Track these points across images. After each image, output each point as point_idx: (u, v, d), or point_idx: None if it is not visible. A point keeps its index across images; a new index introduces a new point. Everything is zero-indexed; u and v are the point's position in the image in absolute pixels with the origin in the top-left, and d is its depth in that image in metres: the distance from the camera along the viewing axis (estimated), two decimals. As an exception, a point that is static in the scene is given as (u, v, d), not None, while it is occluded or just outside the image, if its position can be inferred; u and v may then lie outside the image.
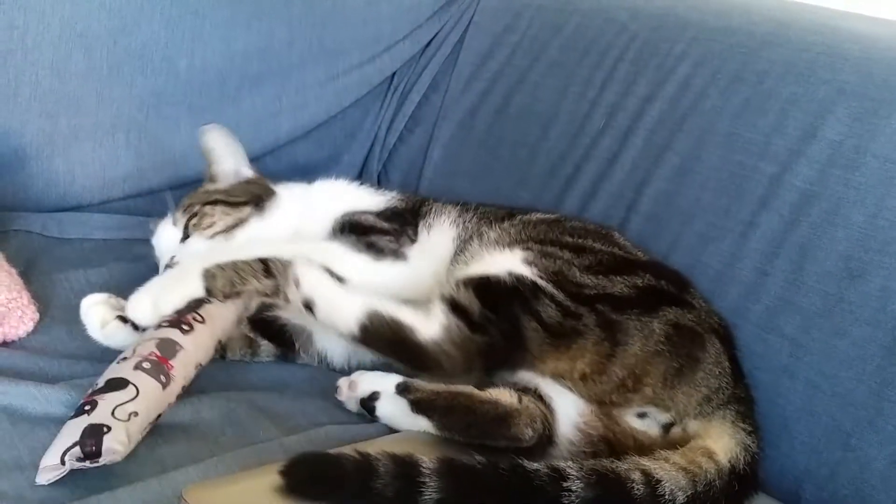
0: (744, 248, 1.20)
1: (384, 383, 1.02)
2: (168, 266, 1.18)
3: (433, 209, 1.30)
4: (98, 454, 0.82)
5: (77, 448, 0.82)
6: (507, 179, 1.54)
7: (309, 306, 1.03)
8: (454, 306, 1.03)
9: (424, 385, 1.00)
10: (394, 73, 1.75)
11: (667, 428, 1.03)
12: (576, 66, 1.52)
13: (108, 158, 1.46)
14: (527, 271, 1.06)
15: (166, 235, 1.25)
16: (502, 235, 1.17)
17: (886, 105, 1.14)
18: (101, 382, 0.91)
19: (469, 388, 1.01)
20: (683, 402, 1.02)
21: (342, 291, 1.05)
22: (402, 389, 1.00)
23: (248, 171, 1.34)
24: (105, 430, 0.84)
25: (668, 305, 1.07)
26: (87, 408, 0.86)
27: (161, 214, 1.34)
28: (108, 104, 1.44)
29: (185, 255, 1.18)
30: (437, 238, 1.25)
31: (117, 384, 0.89)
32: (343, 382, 1.05)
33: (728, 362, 1.07)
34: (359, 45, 1.69)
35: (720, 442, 0.99)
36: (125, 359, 0.94)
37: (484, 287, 1.05)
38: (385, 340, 1.01)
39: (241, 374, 1.09)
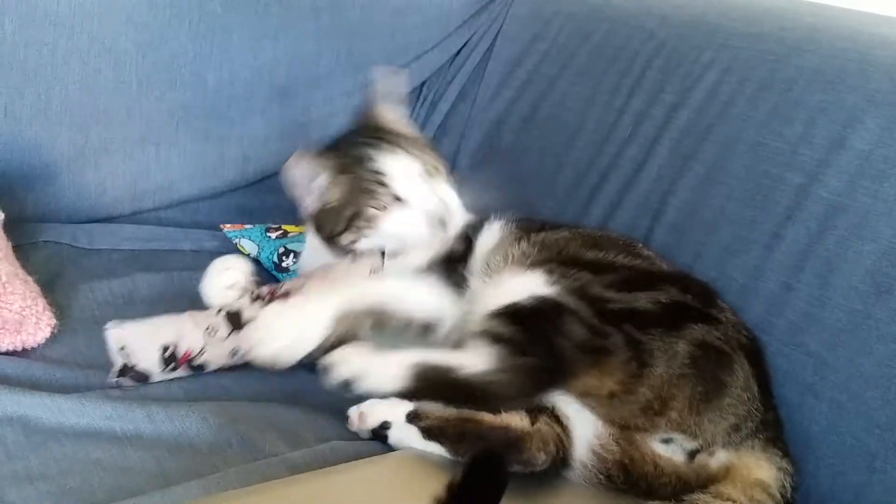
0: (769, 260, 1.16)
1: (394, 412, 1.01)
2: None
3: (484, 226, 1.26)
4: None
5: None
6: (534, 189, 1.52)
7: (348, 385, 0.99)
8: (491, 336, 1.01)
9: (434, 411, 1.00)
10: (423, 83, 1.75)
11: (692, 455, 0.99)
12: (603, 74, 1.50)
13: (139, 170, 1.49)
14: (548, 291, 1.05)
15: (409, 168, 1.17)
16: (524, 255, 1.15)
17: (918, 114, 1.10)
18: None
19: (480, 414, 0.99)
20: (710, 430, 0.98)
21: (376, 355, 1.01)
22: (412, 418, 0.99)
23: None
24: None
25: (694, 322, 1.04)
26: None
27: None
28: (137, 117, 1.46)
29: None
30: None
31: None
32: (353, 413, 1.03)
33: (757, 385, 1.03)
34: (387, 56, 1.68)
35: (765, 471, 0.97)
36: None
37: (511, 314, 1.03)
38: (435, 385, 0.99)
39: (254, 384, 1.09)
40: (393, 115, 1.24)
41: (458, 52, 1.75)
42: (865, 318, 1.05)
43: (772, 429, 1.03)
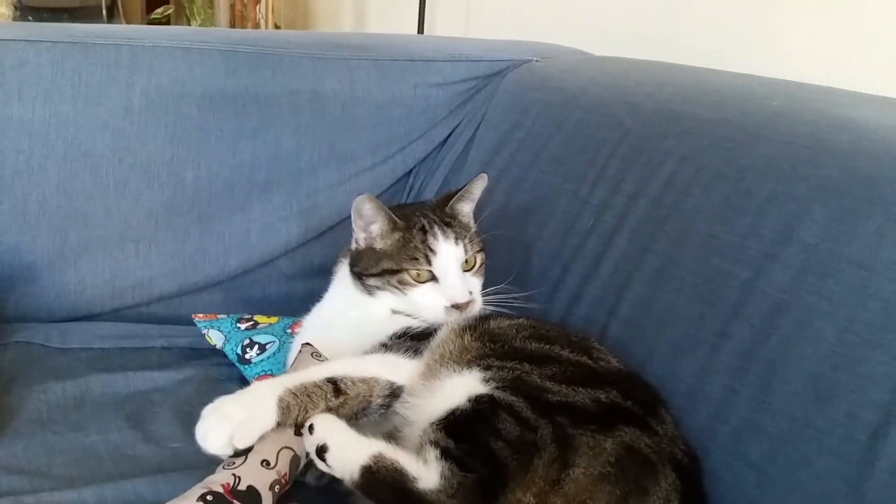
0: (715, 361, 1.10)
1: None
2: (457, 307, 1.22)
3: None
4: None
5: None
6: (504, 280, 1.49)
7: (322, 451, 0.99)
8: (440, 449, 0.98)
9: None
10: (409, 172, 1.76)
11: None
12: (572, 163, 1.48)
13: (118, 268, 1.53)
14: (484, 388, 1.03)
15: (454, 255, 1.25)
16: (464, 351, 1.13)
17: (867, 204, 1.03)
18: None
19: None
20: None
21: (353, 436, 1.01)
22: None
23: None
24: None
25: (627, 425, 1.00)
26: None
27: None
28: (115, 218, 1.51)
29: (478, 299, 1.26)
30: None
31: None
32: None
33: (679, 501, 0.97)
34: (371, 149, 1.70)
35: None
36: None
37: (452, 424, 1.01)
38: (386, 486, 0.96)
39: None
40: (463, 208, 1.36)
41: (445, 140, 1.76)
42: (805, 427, 0.98)
43: None
